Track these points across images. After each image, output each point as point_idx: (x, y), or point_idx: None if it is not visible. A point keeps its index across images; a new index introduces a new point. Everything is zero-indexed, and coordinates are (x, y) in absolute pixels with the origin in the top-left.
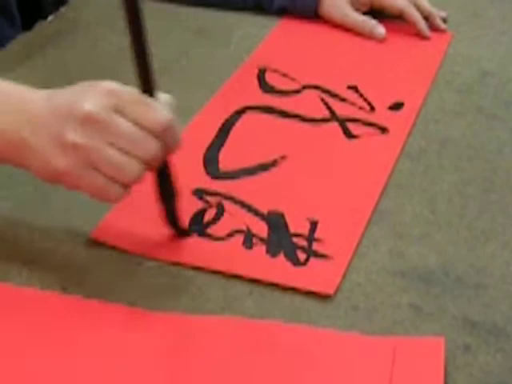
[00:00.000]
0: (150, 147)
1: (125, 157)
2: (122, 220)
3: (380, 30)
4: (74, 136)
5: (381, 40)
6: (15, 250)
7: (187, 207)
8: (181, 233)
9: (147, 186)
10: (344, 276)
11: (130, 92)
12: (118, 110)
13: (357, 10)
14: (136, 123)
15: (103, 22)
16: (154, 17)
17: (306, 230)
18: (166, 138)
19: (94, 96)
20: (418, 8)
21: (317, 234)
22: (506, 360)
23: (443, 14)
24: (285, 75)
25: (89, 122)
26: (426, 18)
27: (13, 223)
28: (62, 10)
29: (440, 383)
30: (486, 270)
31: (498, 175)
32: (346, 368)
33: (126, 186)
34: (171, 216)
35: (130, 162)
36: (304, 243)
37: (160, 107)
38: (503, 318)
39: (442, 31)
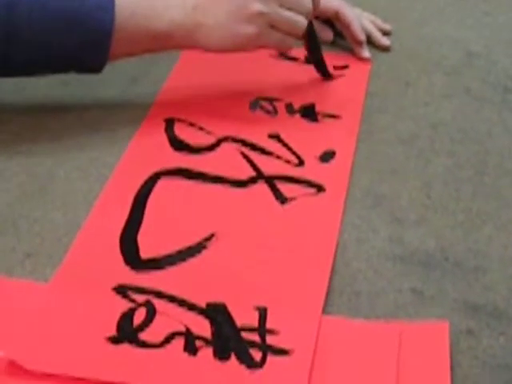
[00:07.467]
0: (308, 4)
1: (294, 14)
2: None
3: (329, 34)
4: (258, 6)
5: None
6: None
7: (110, 309)
8: (328, 75)
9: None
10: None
11: None
12: None
13: None
14: None
15: None
16: None
17: (255, 321)
18: None
19: None
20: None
21: (269, 324)
22: (509, 343)
23: (387, 26)
24: (195, 125)
25: None
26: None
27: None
28: None
29: (446, 367)
30: (483, 253)
31: (490, 157)
32: (353, 354)
33: (297, 37)
34: (321, 63)
35: (299, 17)
36: (256, 338)
37: None
38: (503, 300)
39: (364, 60)
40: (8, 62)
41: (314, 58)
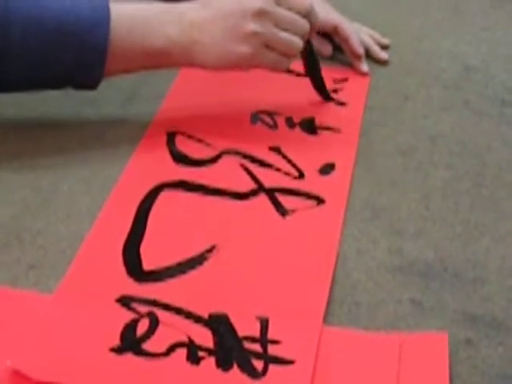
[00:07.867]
0: (305, 25)
1: (290, 35)
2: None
3: (328, 48)
4: (253, 26)
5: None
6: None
7: (113, 320)
8: (328, 97)
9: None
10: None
11: None
12: (277, 3)
13: None
14: (290, 9)
15: None
16: None
17: (256, 332)
18: (311, 18)
19: None
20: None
21: (270, 335)
22: (508, 352)
23: (385, 41)
24: (196, 139)
25: (261, 14)
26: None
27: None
28: None
29: (446, 377)
30: (482, 264)
31: (488, 169)
32: (353, 365)
33: (292, 58)
34: (320, 83)
35: (294, 38)
36: (258, 348)
37: None
38: (502, 311)
39: (363, 74)
40: (2, 77)
41: (313, 77)
